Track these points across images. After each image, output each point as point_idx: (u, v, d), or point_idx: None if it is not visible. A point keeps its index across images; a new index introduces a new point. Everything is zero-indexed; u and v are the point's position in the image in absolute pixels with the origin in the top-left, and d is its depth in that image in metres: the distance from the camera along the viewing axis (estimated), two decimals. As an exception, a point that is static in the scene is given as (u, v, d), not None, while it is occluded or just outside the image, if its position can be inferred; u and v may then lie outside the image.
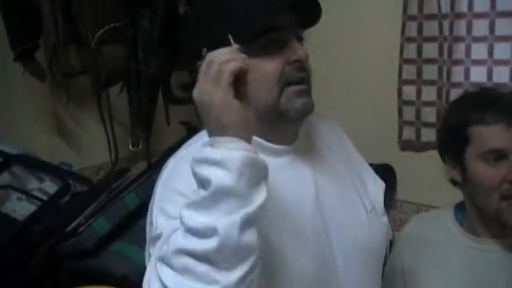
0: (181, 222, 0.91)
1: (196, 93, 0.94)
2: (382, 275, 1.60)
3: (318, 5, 1.11)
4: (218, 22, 1.09)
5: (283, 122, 1.13)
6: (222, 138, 0.91)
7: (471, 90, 1.66)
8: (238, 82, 0.94)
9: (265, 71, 1.09)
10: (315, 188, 1.17)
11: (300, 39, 1.14)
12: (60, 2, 2.11)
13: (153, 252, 1.02)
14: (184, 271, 0.89)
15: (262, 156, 1.11)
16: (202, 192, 0.90)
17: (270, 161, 1.10)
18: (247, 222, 0.89)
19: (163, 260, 0.92)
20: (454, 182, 1.51)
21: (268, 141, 1.15)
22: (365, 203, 1.27)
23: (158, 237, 1.01)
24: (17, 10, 2.10)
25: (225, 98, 0.92)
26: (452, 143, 1.48)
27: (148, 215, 1.13)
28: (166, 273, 0.91)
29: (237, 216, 0.88)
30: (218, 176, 0.88)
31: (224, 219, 0.88)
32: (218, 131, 0.92)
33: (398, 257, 1.60)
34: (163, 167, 1.17)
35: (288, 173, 1.15)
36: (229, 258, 0.88)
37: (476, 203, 1.45)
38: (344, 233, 1.19)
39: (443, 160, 1.54)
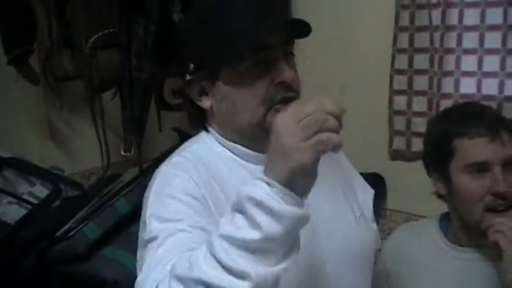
0: (212, 250, 0.87)
1: (285, 136, 0.87)
2: None
3: (308, 25, 1.10)
4: (208, 37, 1.09)
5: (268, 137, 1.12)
6: (288, 192, 0.87)
7: (454, 105, 1.68)
8: None
9: (250, 91, 1.09)
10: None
11: (290, 54, 1.13)
12: (54, 7, 2.11)
13: (145, 255, 1.02)
14: None
15: (245, 163, 1.14)
16: (250, 234, 0.86)
17: (254, 168, 1.12)
18: (280, 273, 0.89)
19: (182, 281, 0.89)
20: (439, 195, 1.51)
21: (252, 150, 1.15)
22: (354, 209, 1.27)
23: (151, 239, 1.01)
24: (11, 14, 2.10)
25: (311, 162, 0.87)
26: (436, 155, 1.48)
27: (141, 220, 1.12)
28: None
29: (274, 270, 0.88)
30: (272, 225, 0.85)
31: (260, 268, 0.86)
32: (284, 179, 0.87)
33: (383, 266, 1.60)
34: (155, 173, 1.16)
35: None
36: None
37: (460, 214, 1.45)
38: (333, 239, 1.19)
39: (428, 173, 1.54)
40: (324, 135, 0.86)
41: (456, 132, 1.41)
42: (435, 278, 1.50)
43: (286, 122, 0.88)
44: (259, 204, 0.86)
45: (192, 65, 1.11)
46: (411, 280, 1.53)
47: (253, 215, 0.86)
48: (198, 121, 1.20)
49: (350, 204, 1.27)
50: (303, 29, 1.10)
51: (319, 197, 1.17)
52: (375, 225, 1.35)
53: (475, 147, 1.38)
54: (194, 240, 0.97)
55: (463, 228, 1.46)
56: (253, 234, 0.85)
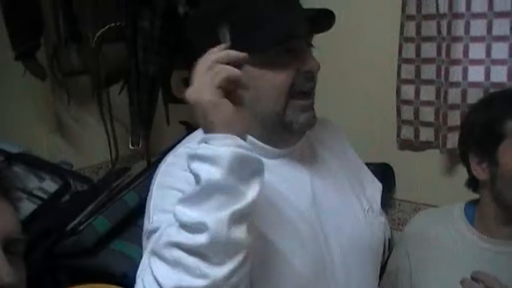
0: (175, 216, 0.92)
1: (188, 91, 0.95)
2: (381, 274, 1.61)
3: (333, 15, 1.11)
4: (234, 24, 1.07)
5: (285, 132, 1.15)
6: (216, 135, 0.92)
7: (494, 92, 1.68)
8: (232, 83, 0.95)
9: (276, 80, 1.10)
10: (311, 189, 1.19)
11: (310, 45, 1.15)
12: (61, 1, 2.12)
13: (147, 246, 1.03)
14: (175, 264, 0.90)
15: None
16: (194, 188, 0.91)
17: (265, 162, 1.13)
18: (237, 219, 0.91)
19: (156, 253, 0.93)
20: (472, 184, 1.51)
21: (266, 143, 1.16)
22: (363, 203, 1.28)
23: (154, 230, 1.02)
24: (18, 9, 2.10)
25: (212, 98, 0.93)
26: (483, 139, 1.47)
27: (145, 212, 1.13)
28: (157, 265, 0.92)
29: (227, 213, 0.89)
30: (208, 172, 0.90)
31: (214, 215, 0.89)
32: (207, 128, 0.94)
33: (406, 255, 1.60)
34: (160, 164, 1.17)
35: (283, 174, 1.16)
36: (218, 253, 0.90)
37: (503, 199, 1.44)
38: (341, 232, 1.20)
39: (463, 159, 1.54)
40: (210, 69, 0.95)
41: (508, 114, 1.41)
42: (458, 266, 1.47)
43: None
44: (196, 157, 0.92)
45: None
46: (433, 265, 1.52)
47: (194, 168, 0.92)
48: None
49: (358, 198, 1.28)
50: (330, 20, 1.12)
51: (327, 191, 1.21)
52: (383, 218, 1.35)
53: None
54: None
55: (501, 216, 1.46)
56: (196, 186, 0.91)
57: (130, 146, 2.24)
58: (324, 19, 1.12)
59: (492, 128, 1.44)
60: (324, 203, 1.20)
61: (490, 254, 1.46)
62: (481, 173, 1.47)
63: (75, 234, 1.90)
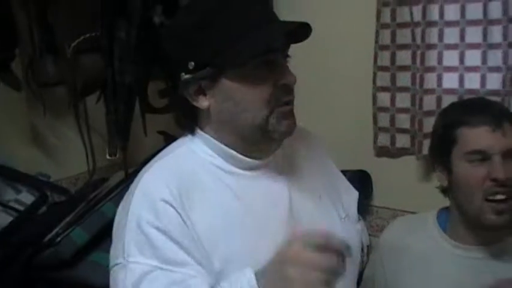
0: None
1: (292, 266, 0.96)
2: (360, 281, 1.61)
3: (310, 27, 1.12)
4: (212, 37, 1.09)
5: (265, 141, 1.15)
6: None
7: (460, 100, 1.72)
8: None
9: (254, 93, 1.10)
10: (289, 200, 1.19)
11: (287, 56, 1.16)
12: (35, 11, 2.10)
13: (119, 279, 1.06)
14: None
15: (234, 169, 1.15)
16: None
17: (243, 173, 1.16)
18: None
19: None
20: (443, 190, 1.52)
21: (244, 155, 1.16)
22: (339, 211, 1.29)
23: (131, 270, 1.05)
24: None
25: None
26: (441, 146, 1.50)
27: (115, 234, 1.14)
28: None
29: None
30: None
31: None
32: None
33: (380, 262, 1.61)
34: (136, 181, 1.16)
35: (261, 186, 1.17)
36: None
37: (460, 205, 1.46)
38: None
39: (433, 168, 1.56)
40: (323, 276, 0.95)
41: (460, 120, 1.44)
42: (432, 273, 1.50)
43: (295, 255, 0.96)
44: None
45: (192, 63, 1.10)
46: (407, 273, 1.54)
47: None
48: (189, 122, 1.19)
49: (335, 206, 1.29)
50: (307, 31, 1.13)
51: (304, 201, 1.23)
52: (359, 226, 1.39)
53: (476, 135, 1.40)
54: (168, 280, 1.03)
55: (463, 222, 1.48)
56: None
57: (107, 157, 2.22)
58: (300, 31, 1.12)
59: (445, 136, 1.46)
60: (300, 213, 1.20)
61: (462, 260, 1.47)
62: (444, 180, 1.49)
63: (52, 246, 1.87)
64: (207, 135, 1.17)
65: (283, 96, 1.12)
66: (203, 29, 1.10)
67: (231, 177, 1.16)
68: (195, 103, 1.14)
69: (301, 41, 1.14)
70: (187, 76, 1.12)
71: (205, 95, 1.13)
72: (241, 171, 1.17)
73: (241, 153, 1.16)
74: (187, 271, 1.05)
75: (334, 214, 1.28)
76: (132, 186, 1.16)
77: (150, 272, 1.04)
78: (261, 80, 1.10)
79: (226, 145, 1.16)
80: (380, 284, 1.60)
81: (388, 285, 1.57)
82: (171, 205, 1.07)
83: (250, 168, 1.17)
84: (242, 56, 1.07)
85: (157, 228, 1.06)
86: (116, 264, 1.09)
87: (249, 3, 1.12)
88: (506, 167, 1.38)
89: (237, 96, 1.11)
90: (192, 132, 1.19)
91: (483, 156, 1.39)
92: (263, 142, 1.15)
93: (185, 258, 1.06)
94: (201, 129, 1.18)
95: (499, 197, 1.39)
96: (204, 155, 1.17)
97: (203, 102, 1.14)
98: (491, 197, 1.39)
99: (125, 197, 1.17)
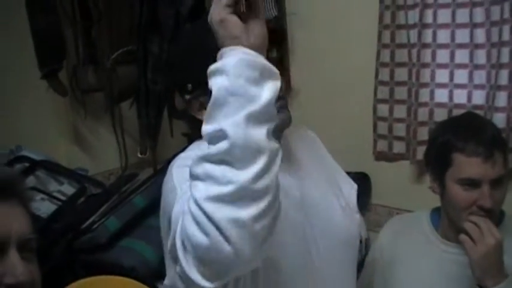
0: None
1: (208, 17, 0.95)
2: (360, 269, 1.62)
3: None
4: (204, 58, 1.08)
5: None
6: (225, 49, 0.91)
7: (462, 115, 1.65)
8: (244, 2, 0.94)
9: None
10: (300, 192, 1.20)
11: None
12: (81, 29, 2.18)
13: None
14: (206, 177, 0.87)
15: None
16: (210, 102, 0.88)
17: None
18: (254, 120, 0.87)
19: (191, 174, 0.90)
20: (433, 190, 1.53)
21: None
22: (340, 200, 1.29)
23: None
24: (44, 37, 2.15)
25: (221, 15, 0.92)
26: (436, 162, 1.50)
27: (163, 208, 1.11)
28: (194, 184, 0.89)
29: (241, 115, 0.85)
30: (219, 82, 0.88)
31: (230, 120, 0.86)
32: (221, 46, 0.92)
33: (380, 255, 1.64)
34: (170, 167, 1.16)
35: None
36: (240, 156, 0.85)
37: (449, 214, 1.48)
38: (326, 229, 1.22)
39: (426, 169, 1.57)
40: None
41: (456, 146, 1.42)
42: (423, 266, 1.53)
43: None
44: (210, 74, 0.90)
45: (189, 85, 1.14)
46: (403, 268, 1.56)
47: (210, 87, 0.89)
48: (199, 133, 1.24)
49: (336, 196, 1.29)
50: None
51: (311, 192, 1.23)
52: (358, 215, 1.37)
53: (469, 165, 1.40)
54: None
55: (451, 225, 1.49)
56: (211, 99, 0.88)
57: (138, 155, 2.29)
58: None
59: (442, 155, 1.46)
60: (311, 203, 1.20)
61: (451, 256, 1.50)
62: (435, 189, 1.51)
63: (89, 232, 1.95)
64: None
65: None
66: (193, 53, 1.14)
67: None
68: (200, 117, 1.14)
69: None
70: (188, 96, 1.15)
71: (206, 109, 1.13)
72: None
73: None
74: None
75: (336, 203, 1.28)
76: (166, 177, 1.15)
77: None
78: None
79: None
80: (378, 272, 1.63)
81: (385, 275, 1.60)
82: None
83: None
84: None
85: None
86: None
87: None
88: (494, 194, 1.39)
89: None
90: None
91: (474, 183, 1.39)
92: None
93: None
94: None
95: None
96: None
97: None
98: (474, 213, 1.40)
99: (164, 182, 1.14)
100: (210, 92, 0.90)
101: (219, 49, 0.98)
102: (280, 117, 1.11)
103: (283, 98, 1.13)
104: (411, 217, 1.70)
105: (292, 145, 1.27)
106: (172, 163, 1.18)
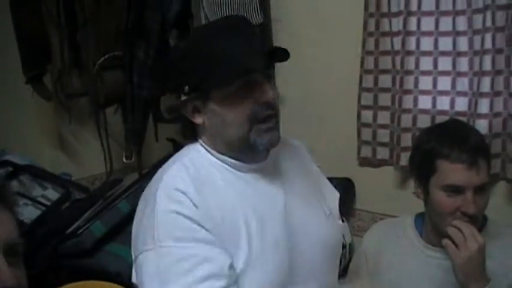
0: None
1: None
2: (344, 274, 1.65)
3: (287, 52, 1.17)
4: (200, 63, 1.15)
5: (252, 151, 1.20)
6: None
7: (447, 122, 1.68)
8: None
9: (237, 109, 1.16)
10: (283, 201, 1.24)
11: (270, 77, 1.21)
12: (66, 32, 2.15)
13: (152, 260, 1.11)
14: None
15: (241, 174, 1.20)
16: None
17: (243, 175, 1.21)
18: None
19: None
20: (418, 196, 1.55)
21: (237, 160, 1.22)
22: (324, 209, 1.33)
23: (166, 254, 1.10)
24: (29, 41, 2.14)
25: None
26: (420, 168, 1.51)
27: (140, 220, 1.18)
28: None
29: None
30: None
31: None
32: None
33: (364, 259, 1.66)
34: (156, 178, 1.21)
35: (259, 187, 1.23)
36: None
37: (433, 220, 1.51)
38: (309, 235, 1.26)
39: (411, 174, 1.59)
40: None
41: (441, 152, 1.44)
42: (408, 270, 1.55)
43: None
44: None
45: (186, 87, 1.17)
46: (388, 273, 1.58)
47: None
48: (191, 134, 1.26)
49: (320, 204, 1.33)
50: (282, 54, 1.17)
51: (296, 201, 1.27)
52: (340, 222, 1.41)
53: (454, 172, 1.42)
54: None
55: (435, 231, 1.51)
56: None
57: (124, 160, 2.27)
58: (280, 54, 1.18)
59: (426, 161, 1.47)
60: (293, 212, 1.24)
61: (435, 260, 1.52)
62: (419, 195, 1.53)
63: (74, 237, 1.92)
64: (205, 145, 1.23)
65: (263, 111, 1.16)
66: (191, 58, 1.17)
67: (234, 177, 1.21)
68: (192, 119, 1.21)
69: (281, 61, 1.20)
70: (184, 98, 1.19)
71: (199, 112, 1.20)
72: (240, 173, 1.22)
73: (235, 159, 1.21)
74: (213, 249, 1.10)
75: (320, 211, 1.31)
76: (151, 186, 1.21)
77: (183, 253, 1.09)
78: (242, 99, 1.15)
79: (220, 152, 1.21)
80: (363, 274, 1.65)
81: (370, 277, 1.62)
82: (191, 198, 1.13)
83: (247, 171, 1.22)
84: (221, 80, 1.13)
85: (184, 215, 1.11)
86: (146, 250, 1.13)
87: (231, 35, 1.16)
88: (477, 201, 1.41)
89: (222, 115, 1.17)
90: (194, 141, 1.26)
91: (458, 190, 1.41)
92: (250, 152, 1.20)
93: (210, 237, 1.11)
94: (200, 139, 1.24)
95: None
96: (209, 157, 1.22)
97: (198, 119, 1.20)
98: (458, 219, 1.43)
99: (146, 195, 1.22)
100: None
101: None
102: (269, 138, 1.17)
103: (274, 118, 1.18)
104: (395, 222, 1.71)
105: (279, 157, 1.30)
106: (159, 174, 1.21)
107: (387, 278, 1.58)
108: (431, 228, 1.53)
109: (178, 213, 1.12)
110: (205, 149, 1.23)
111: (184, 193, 1.13)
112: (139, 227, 1.18)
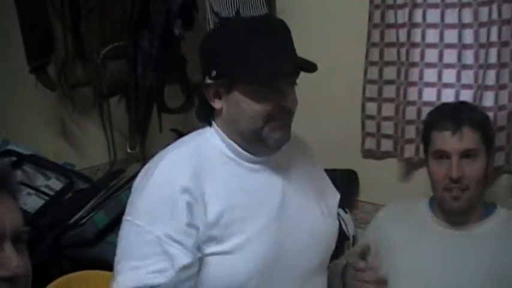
0: None
1: None
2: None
3: (315, 66, 1.23)
4: (234, 55, 1.18)
5: (262, 145, 1.24)
6: None
7: (453, 102, 1.81)
8: None
9: (254, 108, 1.20)
10: (282, 194, 1.28)
11: (294, 84, 1.25)
12: (70, 23, 2.17)
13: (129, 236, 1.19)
14: None
15: (239, 160, 1.24)
16: None
17: (247, 165, 1.24)
18: None
19: None
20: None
21: (245, 150, 1.26)
22: (323, 209, 1.38)
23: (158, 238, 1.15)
24: (33, 31, 2.15)
25: None
26: (422, 142, 1.66)
27: (138, 184, 1.24)
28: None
29: None
30: None
31: None
32: None
33: (382, 230, 1.72)
34: (158, 157, 1.27)
35: (259, 177, 1.26)
36: None
37: (433, 192, 1.61)
38: (300, 229, 1.29)
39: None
40: None
41: (432, 124, 1.60)
42: (421, 245, 1.62)
43: None
44: None
45: (214, 72, 1.21)
46: (400, 244, 1.65)
47: None
48: (205, 116, 1.31)
49: (318, 203, 1.38)
50: (311, 67, 1.23)
51: (293, 195, 1.31)
52: (337, 222, 1.46)
53: (440, 138, 1.56)
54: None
55: (438, 204, 1.63)
56: None
57: (128, 150, 2.28)
58: (309, 66, 1.23)
59: (424, 136, 1.63)
60: (290, 208, 1.29)
61: (445, 236, 1.61)
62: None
63: (77, 227, 1.95)
64: (218, 129, 1.27)
65: (280, 115, 1.21)
66: (229, 47, 1.20)
67: (239, 167, 1.26)
68: (211, 103, 1.25)
69: (308, 72, 1.24)
70: (209, 81, 1.23)
71: (220, 98, 1.24)
72: (245, 163, 1.26)
73: (243, 149, 1.25)
74: (180, 249, 1.15)
75: (318, 211, 1.36)
76: (154, 161, 1.27)
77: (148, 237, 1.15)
78: (264, 99, 1.19)
79: (231, 140, 1.26)
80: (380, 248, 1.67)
81: (386, 250, 1.65)
82: (188, 191, 1.17)
83: (252, 162, 1.26)
84: (251, 76, 1.18)
85: (166, 201, 1.17)
86: (126, 220, 1.21)
87: (269, 37, 1.20)
88: (462, 166, 1.53)
89: (241, 107, 1.21)
90: (208, 124, 1.30)
91: (445, 155, 1.54)
92: (260, 145, 1.24)
93: (182, 239, 1.16)
94: (214, 122, 1.28)
95: (455, 192, 1.53)
96: (217, 143, 1.27)
97: (217, 104, 1.25)
98: (448, 188, 1.54)
99: (147, 168, 1.28)
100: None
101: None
102: (280, 136, 1.22)
103: (286, 119, 1.23)
104: (409, 202, 1.79)
105: (287, 155, 1.34)
106: (164, 152, 1.28)
107: (398, 254, 1.63)
108: (436, 203, 1.63)
109: (162, 199, 1.17)
110: (217, 133, 1.27)
111: (178, 180, 1.17)
112: (132, 196, 1.25)
